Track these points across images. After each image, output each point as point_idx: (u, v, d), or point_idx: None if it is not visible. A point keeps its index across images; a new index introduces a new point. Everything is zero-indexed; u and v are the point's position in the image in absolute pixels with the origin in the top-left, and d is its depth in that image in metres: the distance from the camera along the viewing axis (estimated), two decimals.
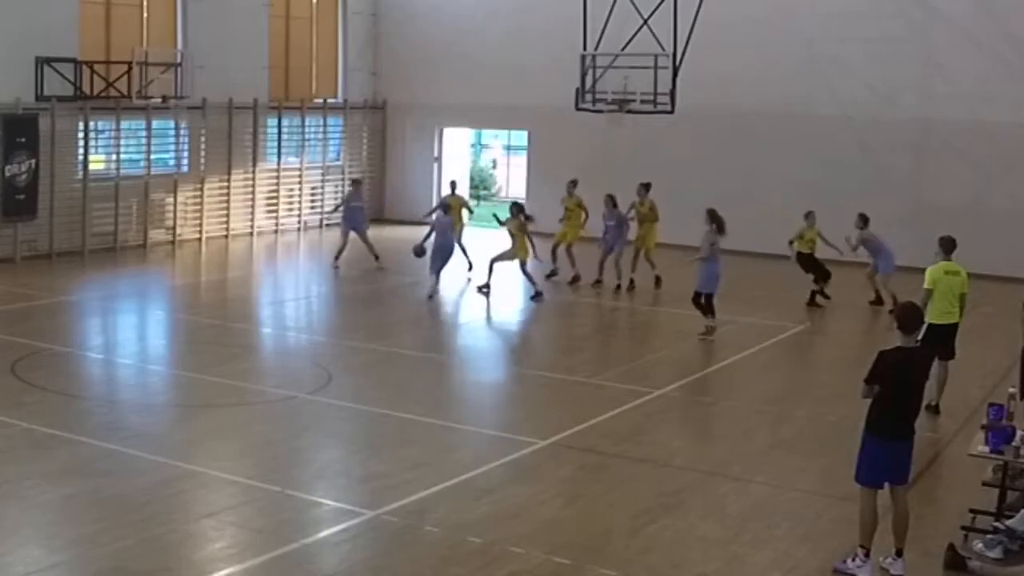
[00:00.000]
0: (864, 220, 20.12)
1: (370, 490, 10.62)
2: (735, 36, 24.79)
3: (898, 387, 8.95)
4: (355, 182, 24.41)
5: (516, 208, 20.20)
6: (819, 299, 20.38)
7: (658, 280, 21.24)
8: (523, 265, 19.86)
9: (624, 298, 20.75)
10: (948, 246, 13.52)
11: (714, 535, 9.87)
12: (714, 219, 17.44)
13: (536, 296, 19.74)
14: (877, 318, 19.51)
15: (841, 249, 19.99)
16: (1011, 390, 10.35)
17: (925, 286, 13.22)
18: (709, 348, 17.10)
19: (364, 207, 24.07)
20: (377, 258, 22.70)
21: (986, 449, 9.68)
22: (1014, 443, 9.55)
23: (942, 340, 13.05)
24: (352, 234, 22.86)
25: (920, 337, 11.32)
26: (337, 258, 22.83)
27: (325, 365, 15.27)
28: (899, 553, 9.09)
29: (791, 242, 20.50)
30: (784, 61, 24.96)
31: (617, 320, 19.95)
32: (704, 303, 17.40)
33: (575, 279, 21.53)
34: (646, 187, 21.59)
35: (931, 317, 13.00)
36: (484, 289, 20.19)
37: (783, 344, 17.53)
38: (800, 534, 9.93)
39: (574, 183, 22.12)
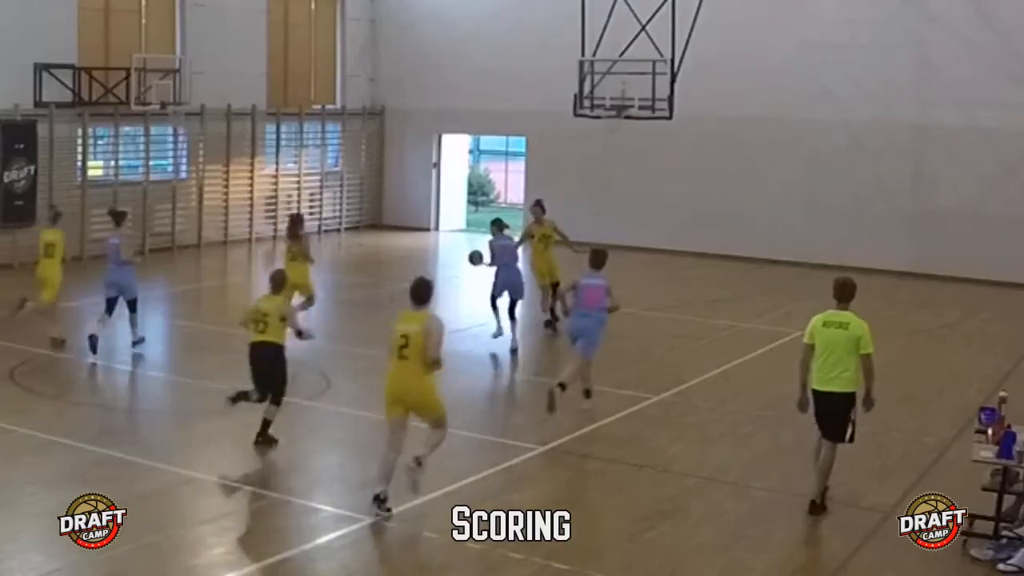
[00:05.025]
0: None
1: (369, 496, 10.61)
2: (733, 42, 24.82)
3: None
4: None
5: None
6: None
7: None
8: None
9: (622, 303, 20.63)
10: (840, 292, 10.07)
11: (713, 541, 9.87)
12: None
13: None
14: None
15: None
16: (1001, 394, 10.35)
17: (804, 340, 10.32)
18: (708, 353, 17.11)
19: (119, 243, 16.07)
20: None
21: (991, 455, 9.62)
22: (1016, 447, 9.53)
23: (826, 415, 10.30)
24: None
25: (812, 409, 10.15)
26: None
27: (324, 371, 15.27)
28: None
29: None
30: (782, 67, 24.98)
31: (614, 326, 19.86)
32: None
33: None
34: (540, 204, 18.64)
35: (811, 380, 10.33)
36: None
37: (781, 349, 17.51)
38: (799, 539, 9.93)
39: None
